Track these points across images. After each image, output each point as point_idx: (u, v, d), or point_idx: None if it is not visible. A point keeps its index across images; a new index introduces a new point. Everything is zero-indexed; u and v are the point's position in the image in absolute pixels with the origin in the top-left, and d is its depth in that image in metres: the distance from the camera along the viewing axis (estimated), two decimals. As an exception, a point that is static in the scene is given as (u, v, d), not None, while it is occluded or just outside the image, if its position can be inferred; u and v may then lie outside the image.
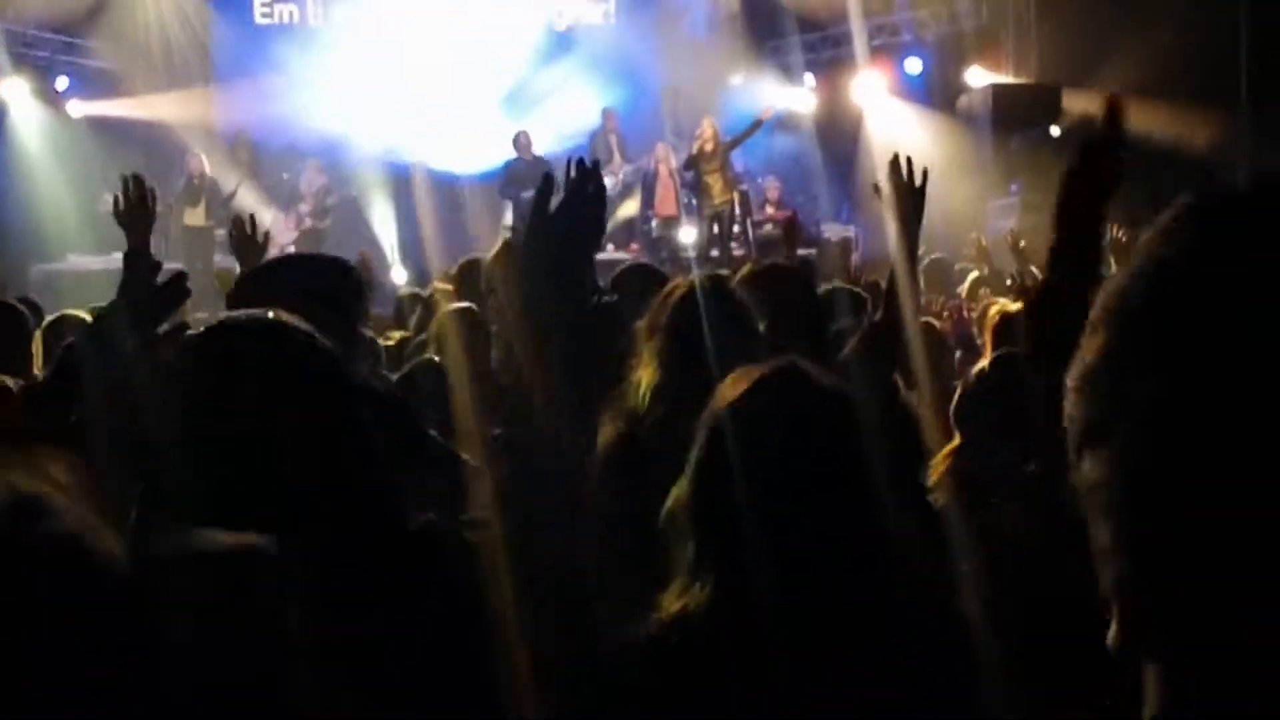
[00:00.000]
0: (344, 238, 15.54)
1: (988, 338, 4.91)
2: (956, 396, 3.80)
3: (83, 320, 4.64)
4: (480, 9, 17.65)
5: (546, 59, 17.24)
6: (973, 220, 14.17)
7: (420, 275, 14.09)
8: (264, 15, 17.61)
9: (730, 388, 1.99)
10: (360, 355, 3.25)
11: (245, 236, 4.60)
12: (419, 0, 17.46)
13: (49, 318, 5.16)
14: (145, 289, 3.23)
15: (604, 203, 2.75)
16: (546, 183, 2.82)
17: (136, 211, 3.59)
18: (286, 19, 17.65)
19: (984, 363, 3.93)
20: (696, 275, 3.18)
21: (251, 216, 4.84)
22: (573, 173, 2.56)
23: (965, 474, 3.51)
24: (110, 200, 11.74)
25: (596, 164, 2.78)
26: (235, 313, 2.22)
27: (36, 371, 4.46)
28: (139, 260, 3.35)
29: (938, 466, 3.58)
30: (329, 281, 3.24)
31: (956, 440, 3.69)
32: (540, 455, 2.46)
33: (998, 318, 4.79)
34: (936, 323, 6.44)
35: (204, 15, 17.60)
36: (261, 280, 3.45)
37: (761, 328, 3.08)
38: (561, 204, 2.69)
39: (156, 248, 3.98)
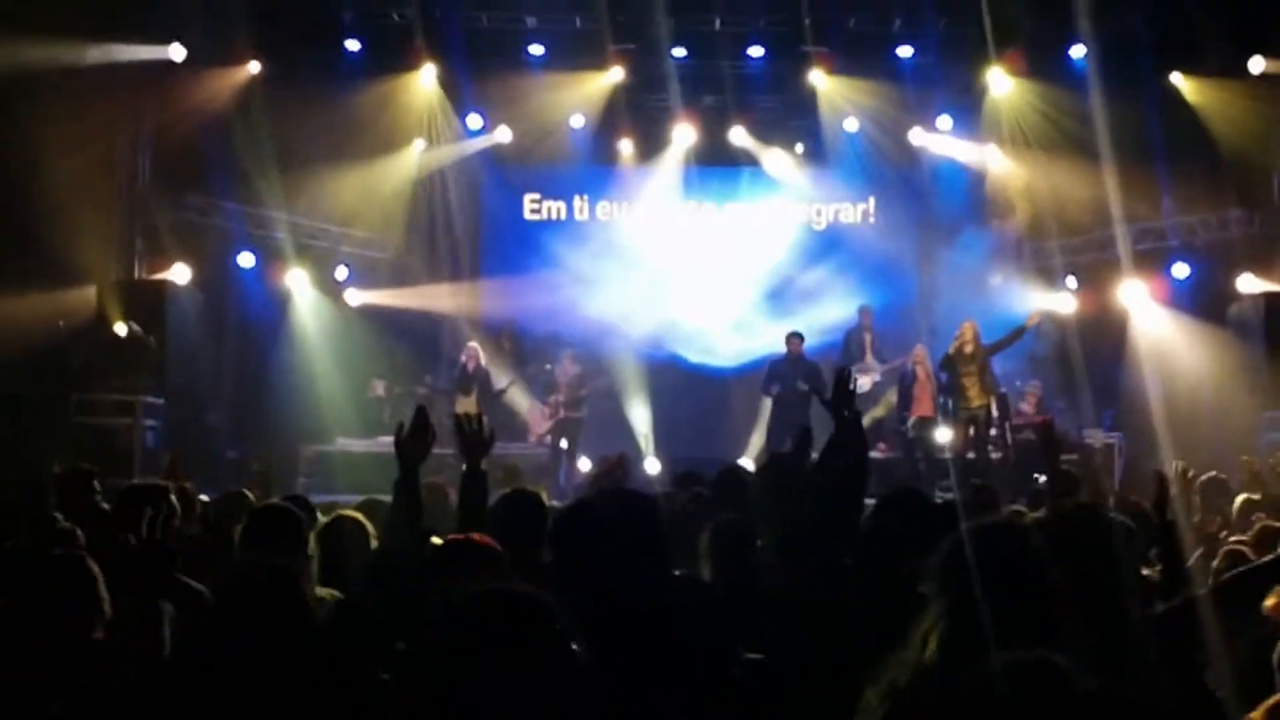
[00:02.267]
0: (598, 428, 16.30)
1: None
2: None
3: (357, 522, 5.23)
4: (741, 209, 18.59)
5: (806, 257, 18.08)
6: (1245, 433, 14.00)
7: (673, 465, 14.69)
8: (533, 212, 18.85)
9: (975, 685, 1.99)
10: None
11: (468, 434, 5.07)
12: (680, 199, 18.41)
13: (325, 519, 5.51)
14: (413, 514, 4.00)
15: (865, 449, 3.08)
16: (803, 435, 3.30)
17: (417, 443, 4.16)
18: (553, 215, 18.81)
19: None
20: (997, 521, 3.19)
21: (479, 415, 5.45)
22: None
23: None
24: (377, 387, 12.76)
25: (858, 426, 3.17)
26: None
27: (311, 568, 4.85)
28: (409, 486, 4.07)
29: None
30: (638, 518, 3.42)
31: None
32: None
33: None
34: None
35: (475, 211, 18.85)
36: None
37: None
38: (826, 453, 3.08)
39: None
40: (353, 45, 16.92)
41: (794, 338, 15.76)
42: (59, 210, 12.60)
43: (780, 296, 17.90)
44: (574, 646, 2.56)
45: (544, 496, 5.52)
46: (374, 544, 4.96)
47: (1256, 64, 15.00)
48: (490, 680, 2.42)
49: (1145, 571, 4.92)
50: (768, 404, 15.78)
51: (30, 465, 7.25)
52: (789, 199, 18.57)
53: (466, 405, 15.75)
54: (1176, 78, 15.88)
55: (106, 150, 13.78)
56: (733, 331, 17.88)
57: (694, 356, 17.98)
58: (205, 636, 3.15)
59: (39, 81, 12.11)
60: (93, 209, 13.40)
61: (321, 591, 4.04)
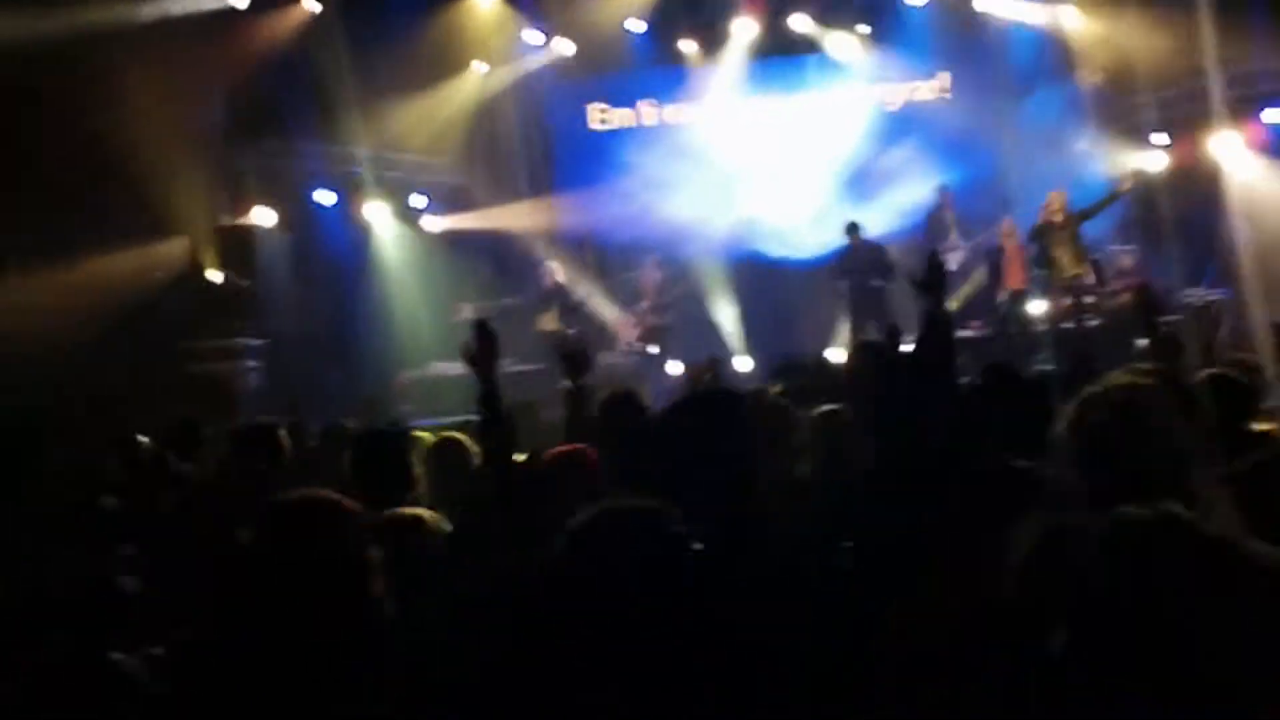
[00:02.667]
0: (686, 331, 16.41)
1: None
2: None
3: (459, 442, 5.37)
4: (810, 98, 18.40)
5: (882, 140, 17.90)
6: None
7: (765, 362, 14.77)
8: (600, 121, 18.87)
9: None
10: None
11: (572, 354, 5.28)
12: (748, 95, 18.28)
13: (430, 442, 5.64)
14: (502, 425, 4.04)
15: (951, 343, 3.12)
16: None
17: (485, 355, 4.18)
18: (620, 124, 18.84)
19: None
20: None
21: (579, 337, 5.61)
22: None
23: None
24: (463, 310, 12.95)
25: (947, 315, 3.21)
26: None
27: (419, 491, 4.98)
28: (491, 400, 4.10)
29: None
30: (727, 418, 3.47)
31: None
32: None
33: None
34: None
35: (543, 127, 18.91)
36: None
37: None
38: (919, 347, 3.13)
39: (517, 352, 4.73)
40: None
41: (852, 229, 15.73)
42: (147, 165, 12.87)
43: (858, 183, 17.71)
44: (693, 547, 2.66)
45: (640, 396, 5.60)
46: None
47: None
48: (619, 599, 2.53)
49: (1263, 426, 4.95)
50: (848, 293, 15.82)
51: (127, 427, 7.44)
52: (859, 82, 18.29)
53: (548, 321, 16.01)
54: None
55: (186, 102, 13.97)
56: (813, 223, 17.75)
57: (775, 251, 17.92)
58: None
59: (113, 40, 12.38)
60: (178, 161, 13.65)
61: (428, 515, 4.12)
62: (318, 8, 15.78)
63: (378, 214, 17.17)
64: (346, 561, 2.80)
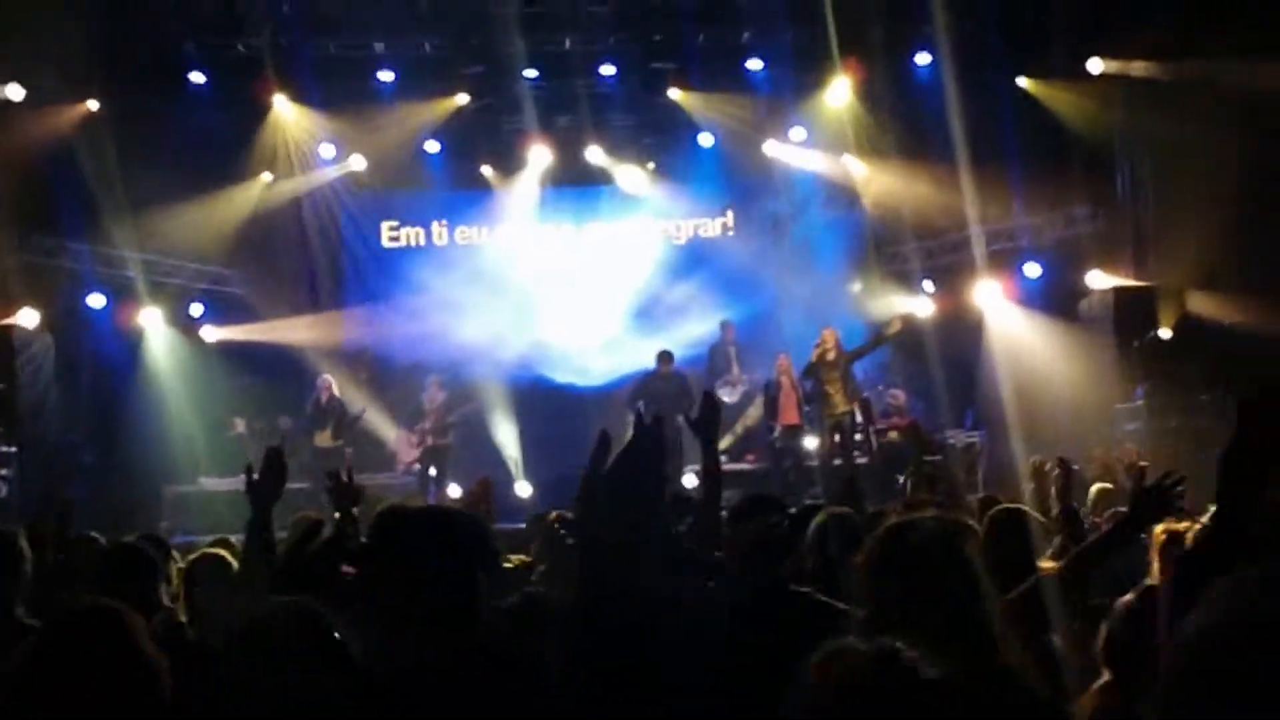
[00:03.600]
0: (467, 454, 16.46)
1: (1155, 556, 5.11)
2: (1104, 632, 3.83)
3: (219, 558, 5.39)
4: (602, 228, 18.95)
5: (670, 272, 18.60)
6: (1100, 426, 14.62)
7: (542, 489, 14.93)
8: (391, 239, 19.02)
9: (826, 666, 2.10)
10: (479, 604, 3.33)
11: (341, 486, 5.15)
12: (540, 221, 18.72)
13: (191, 557, 5.66)
14: (266, 553, 4.10)
15: (662, 456, 3.30)
16: (601, 440, 3.50)
17: (267, 485, 4.24)
18: (412, 242, 19.01)
19: (1131, 596, 3.94)
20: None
21: (349, 470, 5.49)
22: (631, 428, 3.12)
23: (1114, 715, 3.55)
24: (237, 424, 12.70)
25: (659, 420, 3.37)
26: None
27: (171, 603, 5.03)
28: (261, 527, 4.17)
29: (1084, 707, 3.64)
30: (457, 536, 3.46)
31: (1106, 677, 3.74)
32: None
33: (1164, 536, 5.00)
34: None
35: (334, 241, 19.00)
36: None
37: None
38: (616, 461, 3.28)
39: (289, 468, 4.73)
40: (197, 78, 16.96)
41: (664, 353, 16.09)
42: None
43: (647, 313, 18.31)
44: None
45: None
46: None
47: (1095, 65, 15.71)
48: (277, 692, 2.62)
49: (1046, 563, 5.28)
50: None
51: None
52: (648, 215, 19.04)
53: (324, 439, 15.88)
54: (1022, 81, 16.53)
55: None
56: (602, 351, 18.18)
57: (564, 377, 18.23)
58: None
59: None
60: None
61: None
62: (99, 106, 15.63)
63: (151, 320, 16.96)
64: (137, 668, 2.86)
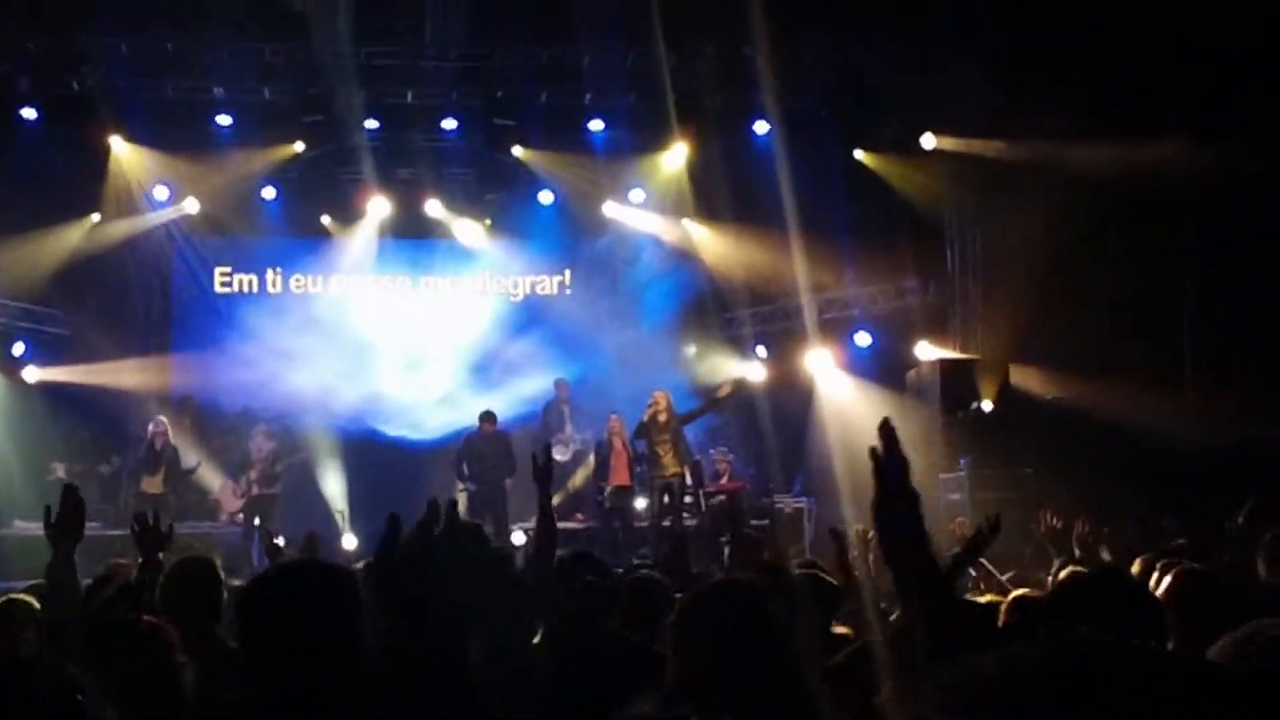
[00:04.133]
0: (294, 504, 16.23)
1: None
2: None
3: (26, 604, 5.26)
4: (439, 281, 18.98)
5: (506, 328, 18.75)
6: (925, 494, 14.85)
7: (369, 543, 14.72)
8: (224, 285, 18.79)
9: None
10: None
11: (146, 529, 5.06)
12: (376, 272, 18.71)
13: None
14: (69, 595, 4.01)
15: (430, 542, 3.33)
16: (430, 509, 3.52)
17: (66, 526, 4.19)
18: (245, 288, 18.81)
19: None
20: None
21: (156, 512, 5.40)
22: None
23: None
24: (57, 469, 12.33)
25: (453, 504, 3.41)
26: None
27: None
28: (63, 569, 4.11)
29: None
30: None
31: None
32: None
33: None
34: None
35: (164, 284, 18.69)
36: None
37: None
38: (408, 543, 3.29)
39: (110, 514, 4.62)
40: (29, 113, 16.66)
41: (486, 415, 16.10)
42: None
43: (483, 369, 18.37)
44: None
45: (217, 566, 5.47)
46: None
47: (928, 140, 16.20)
48: None
49: (839, 629, 5.37)
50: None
51: None
52: (486, 271, 19.16)
53: (152, 485, 15.57)
54: (857, 154, 16.97)
55: None
56: (438, 405, 18.11)
57: (396, 431, 18.11)
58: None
59: None
60: None
61: None
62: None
63: (-32, 359, 16.45)
64: None
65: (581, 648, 4.38)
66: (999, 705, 1.35)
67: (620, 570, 5.97)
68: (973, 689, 1.38)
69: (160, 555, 5.09)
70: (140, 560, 5.06)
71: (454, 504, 4.18)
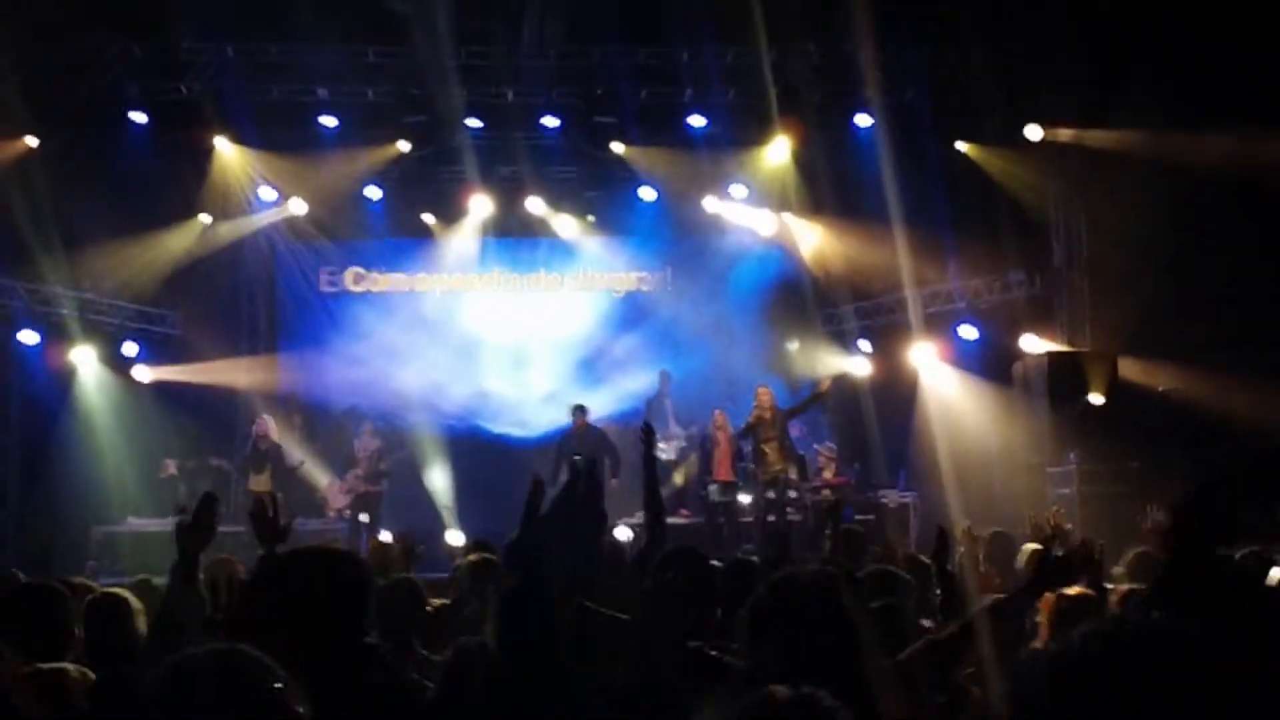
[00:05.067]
0: (400, 501, 16.50)
1: (1044, 619, 5.20)
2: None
3: (122, 600, 5.38)
4: (541, 279, 19.25)
5: (610, 325, 19.09)
6: (1035, 488, 14.84)
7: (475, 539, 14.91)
8: (329, 284, 19.11)
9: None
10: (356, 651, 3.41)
11: (265, 519, 4.98)
12: (479, 270, 19.02)
13: (90, 598, 5.59)
14: (190, 600, 4.05)
15: (598, 501, 3.41)
16: (535, 487, 3.62)
17: (198, 532, 4.17)
18: (352, 288, 19.35)
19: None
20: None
21: (274, 498, 5.49)
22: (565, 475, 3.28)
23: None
24: (169, 466, 12.59)
25: (593, 463, 3.50)
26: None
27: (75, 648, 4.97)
28: (187, 573, 4.09)
29: None
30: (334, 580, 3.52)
31: None
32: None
33: (1055, 601, 5.08)
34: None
35: (271, 285, 19.12)
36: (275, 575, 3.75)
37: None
38: (552, 507, 3.38)
39: (221, 513, 4.68)
40: (138, 117, 17.10)
41: (576, 410, 16.28)
42: None
43: (588, 366, 18.59)
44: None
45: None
46: (141, 622, 5.14)
47: (1034, 131, 16.10)
48: None
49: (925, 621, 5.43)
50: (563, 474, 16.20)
51: None
52: (588, 268, 19.34)
53: (259, 483, 15.89)
54: (960, 145, 16.90)
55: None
56: (543, 402, 18.33)
57: (501, 428, 18.37)
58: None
59: None
60: None
61: (73, 670, 4.14)
62: (35, 143, 15.70)
63: (83, 359, 17.03)
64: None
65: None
66: (1089, 676, 1.51)
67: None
68: (1070, 660, 1.54)
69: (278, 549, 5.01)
70: (260, 554, 5.14)
71: (594, 462, 4.31)
